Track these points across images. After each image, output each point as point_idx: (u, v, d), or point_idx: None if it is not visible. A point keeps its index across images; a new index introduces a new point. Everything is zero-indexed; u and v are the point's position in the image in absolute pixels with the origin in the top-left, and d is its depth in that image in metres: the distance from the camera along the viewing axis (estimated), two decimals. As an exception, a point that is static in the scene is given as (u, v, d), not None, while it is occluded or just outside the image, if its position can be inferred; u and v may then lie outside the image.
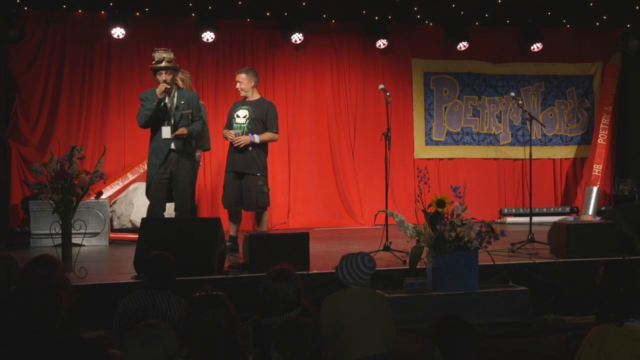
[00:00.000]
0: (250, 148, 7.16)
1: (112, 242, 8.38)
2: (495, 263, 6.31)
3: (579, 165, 11.00)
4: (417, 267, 5.93)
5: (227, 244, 6.92)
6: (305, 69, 10.09)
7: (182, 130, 6.72)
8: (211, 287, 3.39)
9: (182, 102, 6.80)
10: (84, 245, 7.51)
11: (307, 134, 10.08)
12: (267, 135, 7.23)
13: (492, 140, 10.74)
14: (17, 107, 9.00)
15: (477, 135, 10.70)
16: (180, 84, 7.05)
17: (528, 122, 7.95)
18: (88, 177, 6.48)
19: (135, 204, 8.73)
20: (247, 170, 7.17)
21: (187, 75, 7.45)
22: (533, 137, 9.40)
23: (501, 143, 10.77)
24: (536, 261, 6.60)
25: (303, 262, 6.09)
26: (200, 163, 8.04)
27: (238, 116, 7.29)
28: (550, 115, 10.95)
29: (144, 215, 7.41)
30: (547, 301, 6.38)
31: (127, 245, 7.89)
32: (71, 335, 3.30)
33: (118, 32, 8.92)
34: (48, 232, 7.22)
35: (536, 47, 10.42)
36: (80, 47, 9.29)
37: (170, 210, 8.04)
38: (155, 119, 6.72)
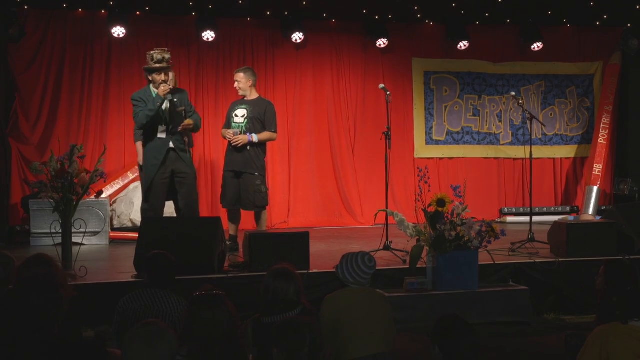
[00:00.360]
0: (248, 147, 7.15)
1: (112, 241, 8.38)
2: (496, 262, 6.30)
3: (579, 165, 11.00)
4: (417, 266, 5.93)
5: (227, 243, 6.92)
6: (305, 68, 10.09)
7: (189, 122, 6.77)
8: (211, 287, 3.39)
9: (175, 100, 6.83)
10: (84, 244, 7.51)
11: (307, 133, 10.08)
12: (265, 135, 7.23)
13: (492, 139, 10.74)
14: (17, 106, 9.00)
15: (477, 135, 10.70)
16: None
17: (528, 122, 7.95)
18: (88, 176, 6.48)
19: (135, 203, 8.73)
20: (245, 170, 7.17)
21: (172, 72, 7.47)
22: (533, 137, 9.41)
23: (501, 142, 10.77)
24: (536, 261, 6.60)
25: (303, 261, 6.09)
26: None
27: (236, 115, 7.29)
28: (551, 114, 10.94)
29: (139, 214, 7.43)
30: (547, 301, 6.38)
31: (127, 244, 7.89)
32: (71, 334, 3.30)
33: (118, 31, 8.92)
34: (48, 231, 7.22)
35: (536, 46, 10.42)
36: (81, 46, 9.29)
37: (169, 209, 8.06)
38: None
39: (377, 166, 9.23)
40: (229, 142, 7.24)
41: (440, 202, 5.84)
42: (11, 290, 3.38)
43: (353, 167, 10.20)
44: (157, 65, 6.80)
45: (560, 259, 6.61)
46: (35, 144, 9.01)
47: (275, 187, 9.71)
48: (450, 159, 10.61)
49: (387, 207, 6.94)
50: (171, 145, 6.78)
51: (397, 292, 5.82)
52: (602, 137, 10.56)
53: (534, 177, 8.00)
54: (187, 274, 5.47)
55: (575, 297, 6.41)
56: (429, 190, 6.03)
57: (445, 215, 5.84)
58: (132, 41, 9.37)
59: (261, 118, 7.24)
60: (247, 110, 7.26)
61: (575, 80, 11.00)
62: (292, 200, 9.99)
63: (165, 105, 6.78)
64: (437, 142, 10.57)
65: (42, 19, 9.11)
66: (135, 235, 6.68)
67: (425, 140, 10.53)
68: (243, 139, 7.11)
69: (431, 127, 10.55)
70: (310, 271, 6.10)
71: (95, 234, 8.18)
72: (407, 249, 6.33)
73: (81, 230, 7.36)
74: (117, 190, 9.02)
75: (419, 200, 6.01)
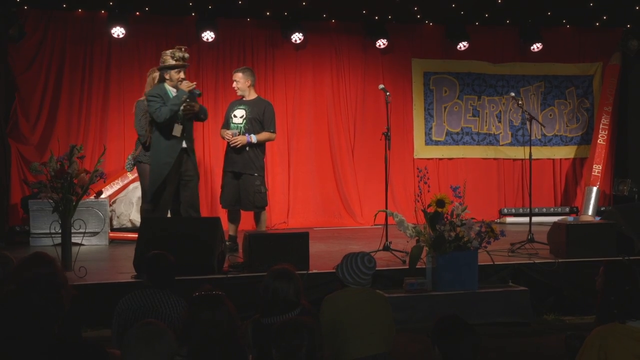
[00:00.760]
0: (247, 148, 7.15)
1: (111, 241, 8.37)
2: (495, 263, 6.31)
3: (578, 166, 11.00)
4: (417, 267, 5.93)
5: (227, 243, 6.92)
6: (305, 69, 10.09)
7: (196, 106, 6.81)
8: (211, 287, 3.39)
9: (188, 99, 6.85)
10: (83, 245, 7.52)
11: (307, 133, 10.08)
12: (264, 135, 7.22)
13: (491, 140, 10.74)
14: (17, 107, 8.99)
15: (476, 135, 10.70)
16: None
17: (528, 122, 7.95)
18: (88, 176, 6.48)
19: (135, 203, 8.73)
20: (244, 171, 7.16)
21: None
22: (533, 137, 9.40)
23: (501, 143, 10.77)
24: (536, 261, 6.60)
25: (303, 261, 6.09)
26: None
27: (235, 116, 7.28)
28: (550, 115, 10.95)
29: (140, 215, 7.41)
30: (546, 301, 6.38)
31: (127, 244, 7.89)
32: (72, 334, 3.30)
33: (118, 32, 8.92)
34: (48, 231, 7.22)
35: (536, 47, 10.42)
36: (80, 46, 9.29)
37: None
38: None
39: (377, 167, 9.23)
40: (228, 142, 7.24)
41: (440, 203, 5.84)
42: (11, 290, 3.38)
43: (353, 167, 10.20)
44: (179, 63, 6.78)
45: (560, 260, 6.61)
46: (34, 144, 9.01)
47: (274, 188, 9.71)
48: (449, 159, 10.61)
49: (386, 208, 6.94)
50: (184, 145, 6.79)
51: (397, 293, 5.83)
52: (602, 138, 10.57)
53: (533, 177, 8.00)
54: (186, 274, 5.47)
55: (574, 297, 6.41)
56: (429, 191, 6.03)
57: (445, 215, 5.84)
58: (132, 41, 9.37)
59: (260, 118, 7.23)
60: (245, 110, 7.26)
61: (575, 81, 11.01)
62: (292, 200, 9.99)
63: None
64: (437, 143, 10.58)
65: (42, 19, 9.11)
66: (135, 235, 6.67)
67: (425, 141, 10.53)
68: (242, 139, 7.11)
69: (431, 128, 10.55)
70: (310, 271, 6.10)
71: (94, 234, 8.18)
72: (406, 250, 6.33)
73: (81, 230, 7.36)
74: (116, 191, 9.02)
75: (418, 201, 6.01)
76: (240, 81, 7.33)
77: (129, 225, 8.68)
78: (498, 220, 10.03)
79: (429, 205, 5.91)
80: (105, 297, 5.34)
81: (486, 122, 10.73)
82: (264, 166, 7.37)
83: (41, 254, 3.74)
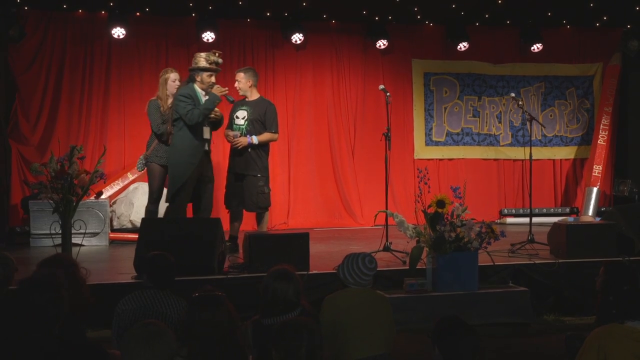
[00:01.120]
0: (249, 149, 7.15)
1: (112, 242, 8.37)
2: (495, 263, 6.31)
3: (578, 166, 11.00)
4: (417, 267, 5.93)
5: (227, 244, 6.92)
6: (305, 69, 10.09)
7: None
8: (211, 288, 3.40)
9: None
10: (83, 245, 7.52)
11: (307, 134, 10.08)
12: (265, 136, 7.21)
13: (492, 140, 10.74)
14: (17, 107, 8.99)
15: (477, 136, 10.70)
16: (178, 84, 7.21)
17: (528, 123, 7.95)
18: (88, 177, 6.48)
19: (135, 204, 8.73)
20: (247, 172, 7.16)
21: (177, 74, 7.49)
22: (533, 138, 9.40)
23: (501, 144, 10.77)
24: (536, 262, 6.60)
25: (303, 262, 6.09)
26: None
27: (237, 117, 7.29)
28: (550, 115, 10.95)
29: (144, 215, 7.40)
30: (546, 302, 6.38)
31: (127, 245, 7.89)
32: (74, 335, 3.30)
33: (118, 32, 8.92)
34: (48, 232, 7.23)
35: (536, 47, 10.42)
36: (81, 47, 9.29)
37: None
38: None
39: (377, 167, 9.22)
40: (231, 144, 7.26)
41: (440, 203, 5.84)
42: (12, 291, 3.38)
43: (353, 168, 10.20)
44: (212, 67, 6.79)
45: (560, 260, 6.61)
46: (35, 145, 9.01)
47: (275, 188, 9.68)
48: (450, 160, 10.61)
49: (387, 208, 6.93)
50: (206, 147, 6.83)
51: (397, 293, 5.83)
52: (602, 138, 10.57)
53: (533, 178, 8.00)
54: (187, 274, 5.47)
55: (575, 298, 6.41)
56: (429, 191, 6.03)
57: (445, 216, 5.84)
58: (132, 42, 9.36)
59: (261, 119, 7.22)
60: (247, 111, 7.26)
61: (575, 82, 11.00)
62: (292, 201, 9.99)
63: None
64: (437, 143, 10.57)
65: (42, 19, 9.11)
66: (135, 236, 6.67)
67: (425, 141, 10.53)
68: (242, 141, 7.11)
69: (431, 128, 10.55)
70: (310, 272, 6.10)
71: (94, 234, 8.18)
72: (406, 250, 6.33)
73: (81, 231, 7.38)
74: (116, 191, 9.02)
75: (418, 201, 6.01)
76: (242, 81, 7.33)
77: (129, 225, 8.68)
78: (498, 221, 10.03)
79: (429, 206, 5.91)
80: (105, 298, 5.33)
81: (486, 122, 10.73)
82: (268, 166, 7.33)
83: (63, 255, 3.78)
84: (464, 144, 10.65)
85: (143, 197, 8.62)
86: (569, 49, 10.93)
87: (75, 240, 6.82)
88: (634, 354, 3.16)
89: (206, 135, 6.81)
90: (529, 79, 10.86)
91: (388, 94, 7.31)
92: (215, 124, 7.09)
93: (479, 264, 5.98)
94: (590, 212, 10.06)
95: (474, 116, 10.70)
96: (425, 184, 6.03)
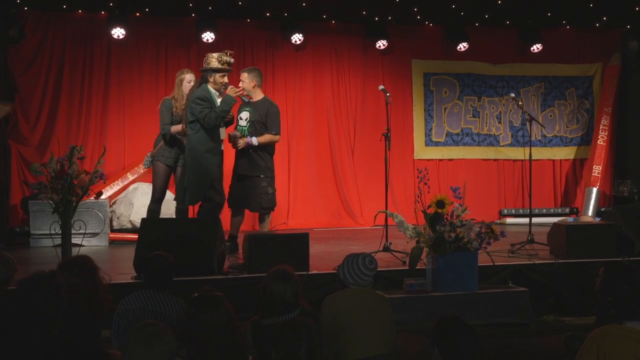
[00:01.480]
0: (251, 151, 7.14)
1: (111, 242, 8.37)
2: (495, 264, 6.31)
3: (578, 166, 11.00)
4: (417, 267, 5.93)
5: (227, 244, 6.92)
6: (305, 70, 10.09)
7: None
8: (210, 288, 3.40)
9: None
10: (83, 246, 7.52)
11: (307, 134, 10.08)
12: (265, 137, 7.18)
13: (492, 141, 10.74)
14: (17, 107, 8.99)
15: (477, 136, 10.70)
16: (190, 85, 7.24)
17: (528, 123, 7.95)
18: (88, 177, 6.48)
19: (135, 204, 8.73)
20: (250, 173, 7.15)
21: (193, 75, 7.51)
22: (533, 138, 9.40)
23: (501, 144, 10.77)
24: (536, 262, 6.60)
25: (303, 262, 6.09)
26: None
27: (241, 118, 7.30)
28: (550, 116, 10.95)
29: (144, 216, 7.42)
30: (546, 302, 6.38)
31: (127, 245, 7.88)
32: (87, 337, 3.31)
33: (118, 33, 8.92)
34: (48, 232, 7.24)
35: (536, 48, 10.42)
36: (80, 47, 9.29)
37: (169, 210, 8.05)
38: None
39: (377, 167, 9.22)
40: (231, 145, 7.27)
41: (440, 204, 5.84)
42: (11, 291, 3.38)
43: (353, 168, 10.20)
44: (225, 67, 6.79)
45: (560, 261, 6.61)
46: (35, 145, 9.01)
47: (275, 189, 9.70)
48: (449, 160, 10.61)
49: (386, 209, 6.93)
50: (221, 148, 6.84)
51: (397, 294, 5.82)
52: (602, 139, 10.57)
53: (533, 178, 8.00)
54: (186, 274, 5.47)
55: (574, 298, 6.41)
56: (429, 192, 6.03)
57: (445, 216, 5.84)
58: (132, 42, 9.36)
59: (263, 120, 7.21)
60: (249, 113, 7.26)
61: (575, 82, 11.01)
62: (292, 201, 9.99)
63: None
64: (437, 144, 10.57)
65: (41, 20, 9.11)
66: (135, 236, 6.67)
67: (425, 142, 10.53)
68: (242, 142, 7.10)
69: (431, 129, 10.55)
70: (310, 272, 6.10)
71: (94, 235, 8.18)
72: (406, 250, 6.33)
73: (81, 231, 7.38)
74: (116, 192, 9.03)
75: (418, 202, 6.01)
76: (246, 81, 7.32)
77: (129, 226, 8.68)
78: (498, 221, 10.03)
79: (429, 206, 5.90)
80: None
81: (486, 123, 10.73)
82: (272, 167, 7.29)
83: (85, 258, 3.79)
84: (464, 144, 10.65)
85: (143, 197, 8.63)
86: (568, 49, 10.93)
87: (75, 240, 6.81)
88: (633, 355, 3.16)
89: (222, 135, 6.89)
90: (529, 79, 10.86)
91: (388, 94, 7.31)
92: (227, 124, 7.12)
93: (479, 264, 5.98)
94: (590, 213, 10.06)
95: (473, 116, 10.70)
96: (425, 184, 6.02)
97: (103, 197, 8.32)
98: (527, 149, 7.99)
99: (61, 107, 9.19)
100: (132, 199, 8.82)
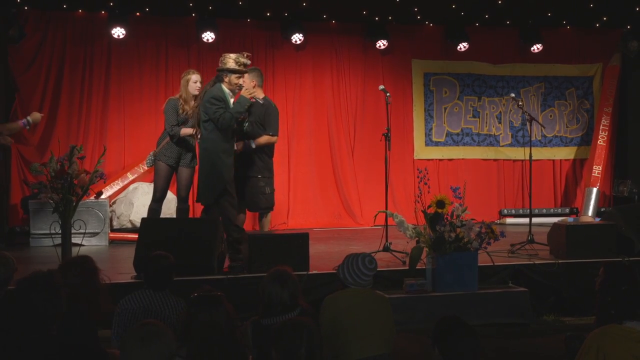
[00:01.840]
0: (249, 151, 7.12)
1: (111, 242, 8.37)
2: (495, 264, 6.31)
3: (578, 166, 11.00)
4: (417, 267, 5.93)
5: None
6: (305, 70, 10.09)
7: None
8: (210, 288, 3.39)
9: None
10: (83, 245, 7.52)
11: (307, 134, 10.08)
12: (263, 139, 7.11)
13: (492, 141, 10.75)
14: (17, 107, 8.99)
15: (477, 136, 10.70)
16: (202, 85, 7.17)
17: (528, 123, 7.95)
18: (88, 177, 6.48)
19: (135, 203, 8.73)
20: (248, 174, 7.13)
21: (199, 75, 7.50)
22: (533, 138, 9.41)
23: (501, 144, 10.77)
24: (536, 262, 6.61)
25: (303, 262, 6.09)
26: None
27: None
28: (550, 116, 10.95)
29: (144, 215, 7.41)
30: (546, 302, 6.38)
31: (127, 245, 7.89)
32: (84, 338, 3.31)
33: (118, 32, 8.91)
34: (48, 231, 7.23)
35: (536, 48, 10.42)
36: (80, 47, 9.29)
37: (170, 210, 8.05)
38: None
39: (377, 167, 9.23)
40: None
41: (440, 204, 5.84)
42: (10, 291, 3.38)
43: (353, 168, 10.20)
44: (241, 69, 6.77)
45: (560, 261, 6.61)
46: (35, 145, 9.01)
47: (275, 188, 9.68)
48: (449, 160, 10.61)
49: (386, 209, 6.93)
50: (235, 147, 6.85)
51: (397, 294, 5.83)
52: (602, 139, 10.57)
53: (533, 178, 8.01)
54: (186, 274, 5.47)
55: (574, 298, 6.41)
56: (429, 192, 6.03)
57: (445, 216, 5.84)
58: (132, 42, 9.36)
59: (261, 121, 7.20)
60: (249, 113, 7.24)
61: (575, 82, 11.01)
62: (292, 201, 9.99)
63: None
64: (437, 144, 10.58)
65: (42, 19, 9.11)
66: (135, 236, 6.67)
67: (425, 142, 10.53)
68: (238, 146, 7.07)
69: (431, 129, 10.55)
70: (310, 272, 6.10)
71: (94, 234, 8.18)
72: (406, 250, 6.33)
73: (81, 231, 7.38)
74: (116, 191, 9.03)
75: (418, 202, 6.01)
76: (246, 82, 7.29)
77: (129, 225, 8.68)
78: (498, 221, 10.04)
79: (429, 206, 5.91)
80: (105, 298, 5.33)
81: (486, 123, 10.73)
82: (271, 167, 7.25)
83: (86, 259, 3.79)
84: (464, 145, 10.65)
85: (143, 197, 8.63)
86: (568, 49, 10.93)
87: (75, 240, 6.82)
88: (633, 355, 3.16)
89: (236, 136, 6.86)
90: (529, 79, 10.86)
91: (388, 94, 7.31)
92: (240, 125, 7.09)
93: (479, 264, 5.98)
94: (590, 213, 10.06)
95: (473, 116, 10.70)
96: (425, 184, 6.02)
97: (103, 196, 8.31)
98: (527, 149, 7.99)
99: (61, 107, 9.19)
100: (132, 198, 8.82)
